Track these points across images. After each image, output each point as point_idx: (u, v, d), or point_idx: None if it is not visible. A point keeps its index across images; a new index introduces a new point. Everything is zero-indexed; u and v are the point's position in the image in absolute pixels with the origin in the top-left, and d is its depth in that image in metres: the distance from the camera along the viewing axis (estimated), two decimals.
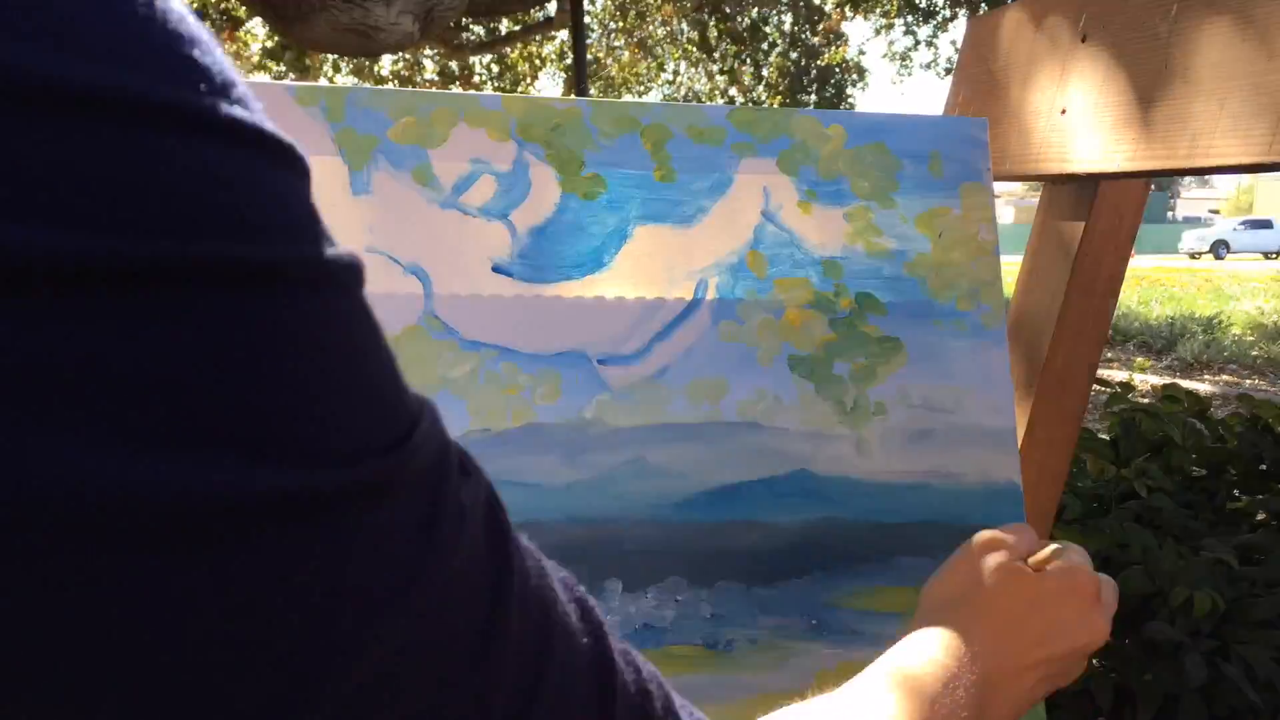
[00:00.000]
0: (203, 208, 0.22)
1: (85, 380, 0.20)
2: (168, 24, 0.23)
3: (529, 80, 10.67)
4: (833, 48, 12.07)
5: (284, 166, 0.25)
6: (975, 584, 0.63)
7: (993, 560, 0.64)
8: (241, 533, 0.22)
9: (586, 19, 9.16)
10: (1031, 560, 0.65)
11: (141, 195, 0.21)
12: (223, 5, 8.49)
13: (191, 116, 0.23)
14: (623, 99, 8.43)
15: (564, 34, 9.44)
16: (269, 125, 0.25)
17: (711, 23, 10.50)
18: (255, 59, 9.58)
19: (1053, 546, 0.66)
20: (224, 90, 0.24)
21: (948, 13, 10.47)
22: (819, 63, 12.00)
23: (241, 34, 9.37)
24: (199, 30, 0.24)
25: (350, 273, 0.26)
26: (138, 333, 0.21)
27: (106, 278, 0.21)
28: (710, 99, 11.86)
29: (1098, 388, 2.09)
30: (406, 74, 10.03)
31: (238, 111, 0.24)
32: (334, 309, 0.25)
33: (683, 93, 12.32)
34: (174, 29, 0.23)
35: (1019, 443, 0.97)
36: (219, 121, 0.23)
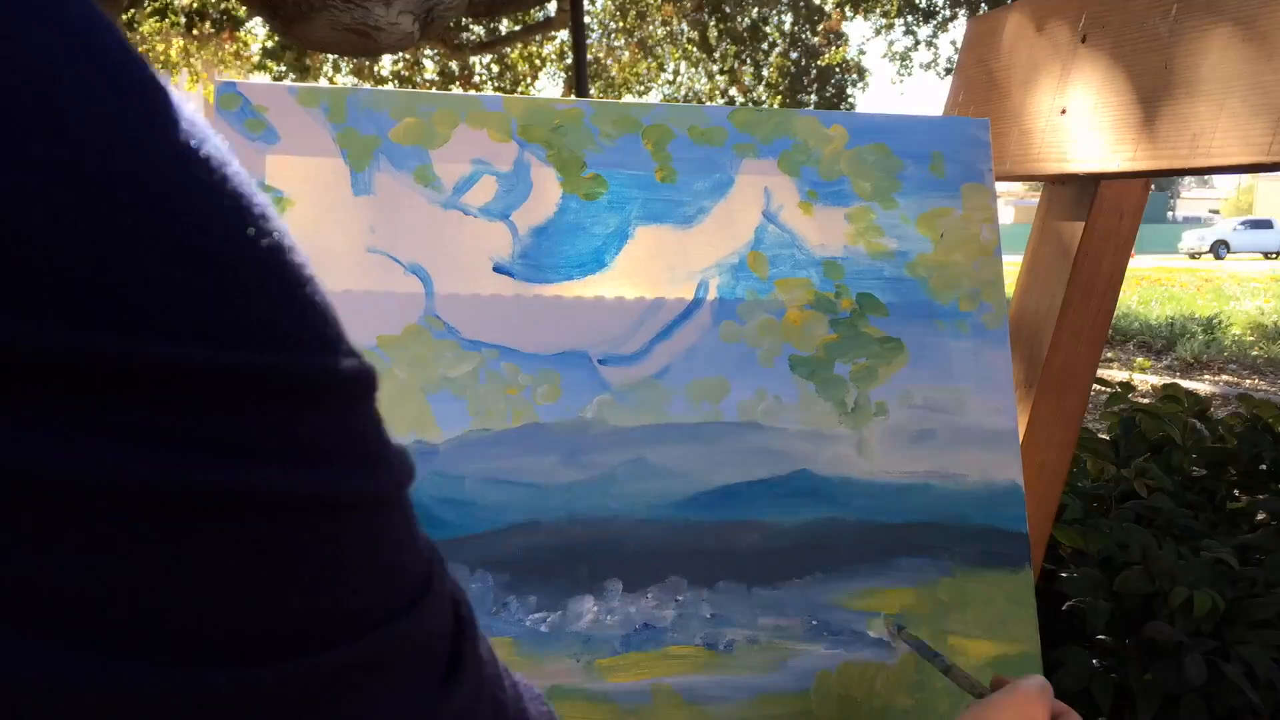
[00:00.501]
0: (322, 454, 0.25)
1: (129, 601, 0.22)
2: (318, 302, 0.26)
3: (529, 80, 10.66)
4: (833, 48, 12.08)
5: (367, 398, 0.27)
6: None
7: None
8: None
9: (586, 19, 9.15)
10: None
11: (295, 450, 0.24)
12: (223, 5, 8.48)
13: (328, 382, 0.25)
14: (623, 99, 8.43)
15: (564, 34, 9.44)
16: (361, 357, 0.27)
17: (711, 23, 10.49)
18: (255, 59, 9.58)
19: None
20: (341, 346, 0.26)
21: (948, 13, 10.47)
22: (819, 63, 12.01)
23: (241, 34, 9.36)
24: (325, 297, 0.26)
25: (401, 480, 0.28)
26: (221, 554, 0.23)
27: (213, 508, 0.23)
28: (710, 99, 11.84)
29: (1098, 388, 2.09)
30: (406, 74, 10.03)
31: (349, 364, 0.26)
32: (378, 522, 0.27)
33: (683, 93, 12.31)
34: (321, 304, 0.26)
35: (1019, 443, 0.97)
36: (341, 381, 0.26)
